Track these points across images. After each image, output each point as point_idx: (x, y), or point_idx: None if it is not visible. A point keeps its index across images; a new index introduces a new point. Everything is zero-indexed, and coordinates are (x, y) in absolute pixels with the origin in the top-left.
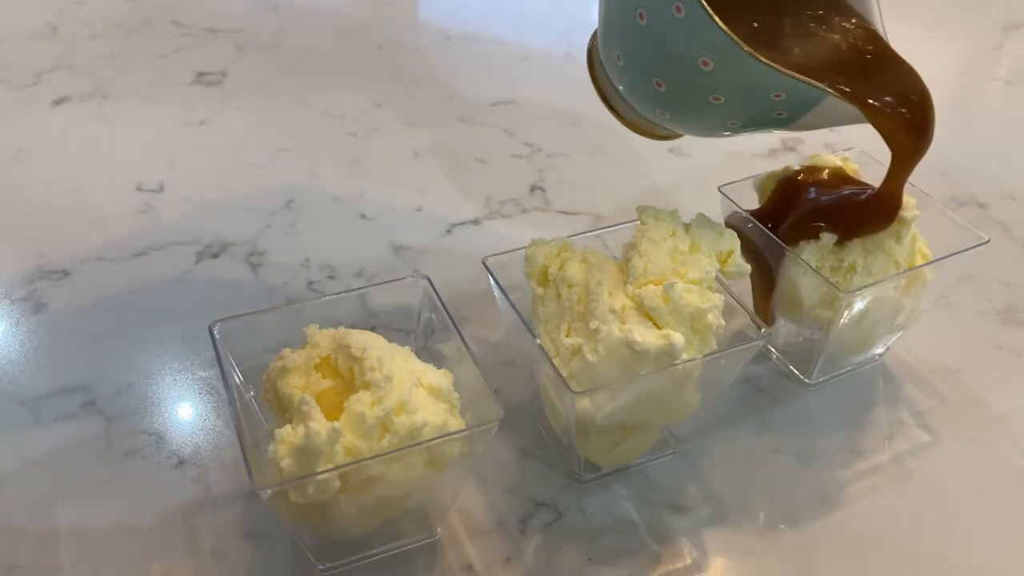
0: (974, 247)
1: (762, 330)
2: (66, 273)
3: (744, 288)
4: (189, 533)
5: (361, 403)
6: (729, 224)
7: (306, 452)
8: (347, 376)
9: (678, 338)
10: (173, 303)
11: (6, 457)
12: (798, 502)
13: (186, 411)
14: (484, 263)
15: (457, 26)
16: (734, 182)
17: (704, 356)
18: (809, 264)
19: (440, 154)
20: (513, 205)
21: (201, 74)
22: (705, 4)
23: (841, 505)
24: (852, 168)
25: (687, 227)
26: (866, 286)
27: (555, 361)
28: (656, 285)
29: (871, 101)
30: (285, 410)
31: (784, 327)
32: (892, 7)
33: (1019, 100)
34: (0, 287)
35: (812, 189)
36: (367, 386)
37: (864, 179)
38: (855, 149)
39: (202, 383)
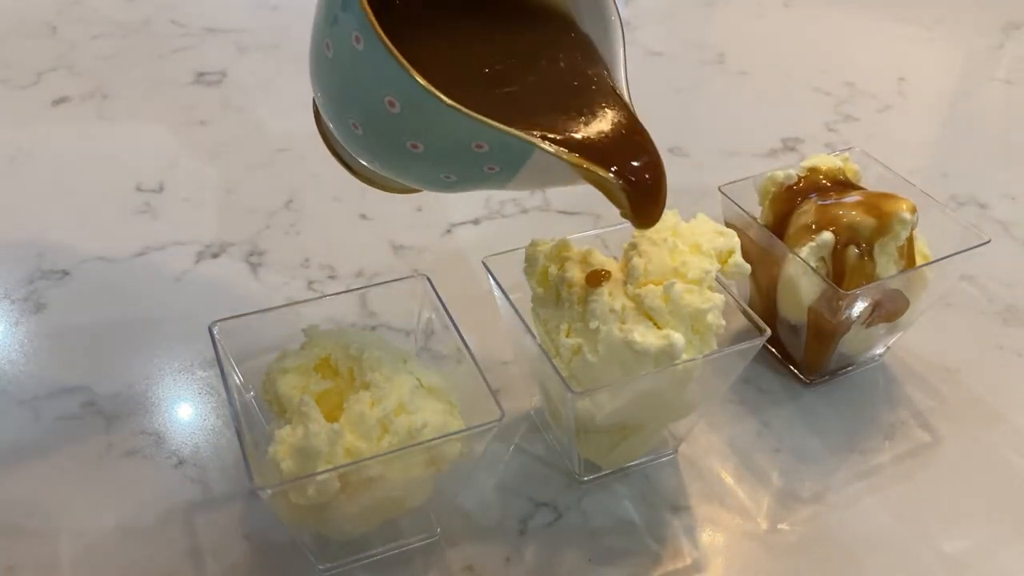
0: (974, 247)
1: (762, 330)
2: (66, 273)
3: (744, 288)
4: (189, 533)
5: (361, 403)
6: (729, 224)
7: (306, 453)
8: (347, 376)
9: (678, 338)
10: (173, 303)
11: (6, 458)
12: (798, 502)
13: (186, 411)
14: (484, 263)
15: None
16: (734, 182)
17: (704, 356)
18: (809, 264)
19: None
20: (513, 205)
21: (201, 74)
22: (382, 36)
23: (841, 505)
24: (852, 169)
25: (687, 227)
26: (866, 286)
27: (555, 361)
28: (656, 285)
29: (583, 157)
30: (285, 410)
31: (784, 326)
32: (892, 7)
33: (1019, 100)
34: (0, 287)
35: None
36: (367, 386)
37: (865, 180)
38: (855, 149)
39: (202, 383)
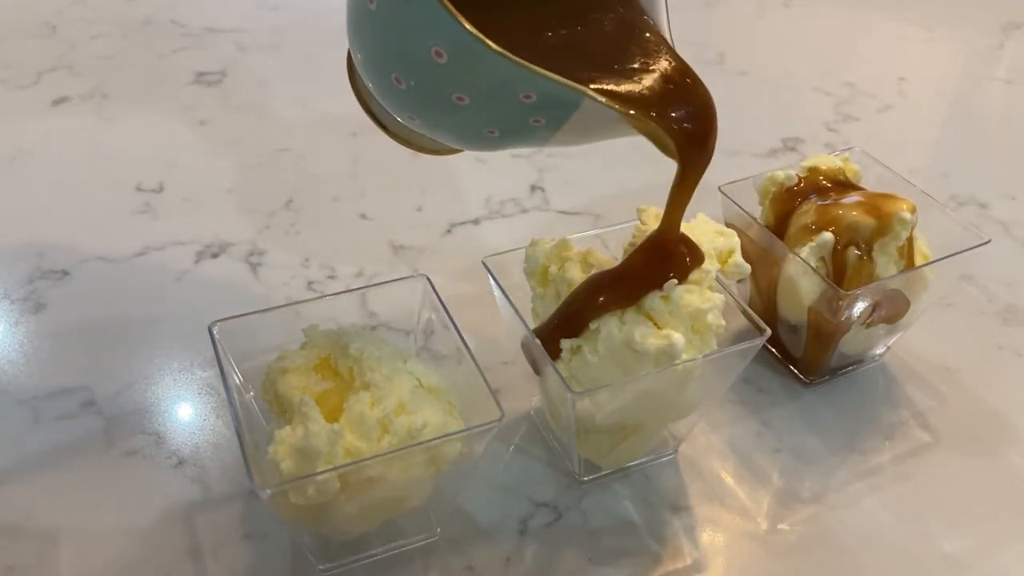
0: (974, 247)
1: (762, 330)
2: (66, 273)
3: (744, 288)
4: (189, 533)
5: (361, 403)
6: (729, 224)
7: (306, 453)
8: (347, 377)
9: (678, 338)
10: (173, 303)
11: (6, 457)
12: (798, 502)
13: (186, 411)
14: (484, 263)
15: None
16: (734, 182)
17: (704, 356)
18: (809, 264)
19: None
20: (513, 205)
21: (201, 74)
22: None
23: (841, 505)
24: (852, 169)
25: (687, 227)
26: (866, 286)
27: (555, 361)
28: None
29: (633, 105)
30: (285, 411)
31: (784, 326)
32: (892, 7)
33: (1019, 100)
34: (0, 287)
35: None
36: (367, 386)
37: (865, 180)
38: (855, 149)
39: (202, 383)
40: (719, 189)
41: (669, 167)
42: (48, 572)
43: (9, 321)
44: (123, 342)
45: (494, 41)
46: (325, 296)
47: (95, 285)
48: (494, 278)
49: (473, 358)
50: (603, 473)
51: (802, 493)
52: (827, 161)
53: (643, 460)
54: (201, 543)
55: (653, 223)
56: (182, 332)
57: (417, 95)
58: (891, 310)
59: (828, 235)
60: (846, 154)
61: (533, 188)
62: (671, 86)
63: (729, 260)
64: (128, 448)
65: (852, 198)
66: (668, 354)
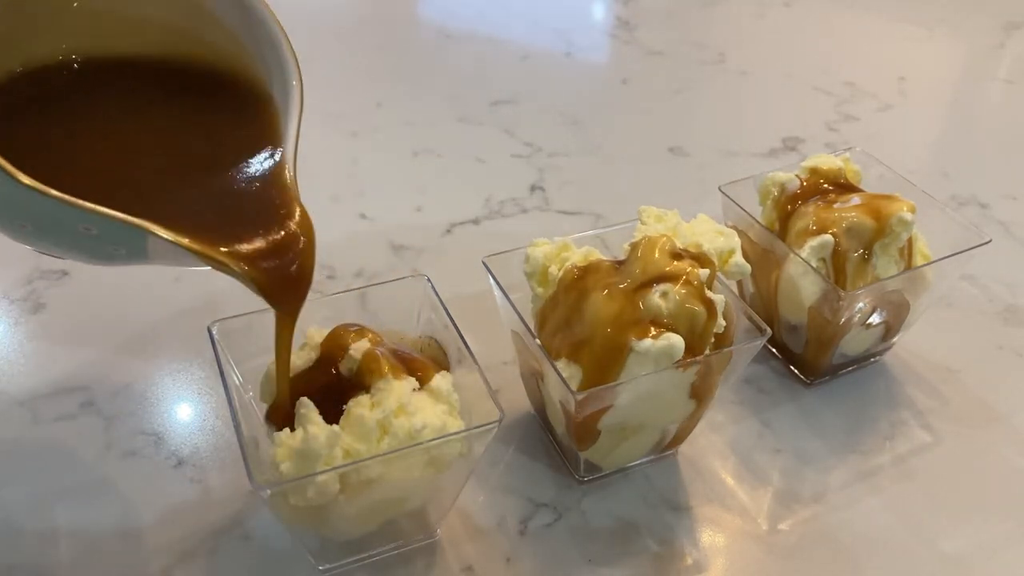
0: (975, 247)
1: (762, 330)
2: (65, 273)
3: (744, 288)
4: (189, 533)
5: (360, 406)
6: (729, 224)
7: (305, 455)
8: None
9: (678, 338)
10: (173, 303)
11: (6, 457)
12: (798, 502)
13: (185, 411)
14: (484, 263)
15: (457, 26)
16: (734, 182)
17: (704, 356)
18: (809, 264)
19: (440, 154)
20: (513, 205)
21: None
22: None
23: (841, 505)
24: (853, 169)
25: (687, 227)
26: (866, 286)
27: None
28: None
29: (207, 244)
30: None
31: (784, 326)
32: (893, 7)
33: (1019, 100)
34: (0, 287)
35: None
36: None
37: (866, 180)
38: (856, 149)
39: (201, 383)
40: (719, 189)
41: (669, 167)
42: (48, 572)
43: (9, 321)
44: (123, 342)
45: (61, 168)
46: (325, 296)
47: (95, 285)
48: (494, 278)
49: (473, 358)
50: (603, 473)
51: (802, 493)
52: (828, 161)
53: (643, 460)
54: (201, 543)
55: (653, 223)
56: (182, 332)
57: None
58: (892, 317)
59: (828, 236)
60: (847, 154)
61: (533, 188)
62: (259, 224)
63: (729, 260)
64: (128, 448)
65: (852, 200)
66: (668, 354)
